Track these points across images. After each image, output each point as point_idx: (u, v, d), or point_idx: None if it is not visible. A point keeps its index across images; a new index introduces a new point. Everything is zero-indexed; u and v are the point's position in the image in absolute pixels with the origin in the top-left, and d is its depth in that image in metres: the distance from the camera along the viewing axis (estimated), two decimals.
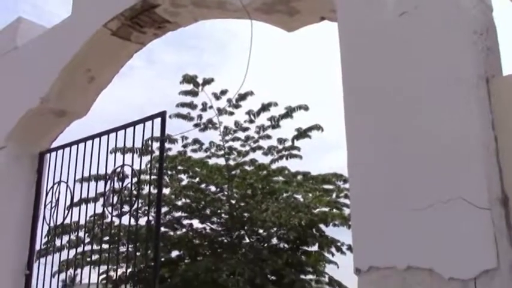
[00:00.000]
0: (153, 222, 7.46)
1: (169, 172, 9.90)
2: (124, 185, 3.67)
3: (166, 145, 9.21)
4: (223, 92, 9.86)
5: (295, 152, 10.05)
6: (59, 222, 3.97)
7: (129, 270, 7.87)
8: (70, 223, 4.26)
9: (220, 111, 9.65)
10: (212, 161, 10.04)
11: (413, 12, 2.04)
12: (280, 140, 10.09)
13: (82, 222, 3.94)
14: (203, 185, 10.01)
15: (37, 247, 4.13)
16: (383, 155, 2.02)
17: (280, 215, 8.99)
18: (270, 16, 3.05)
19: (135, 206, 3.69)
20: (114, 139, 3.64)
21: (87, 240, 8.17)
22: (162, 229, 9.45)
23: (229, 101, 9.80)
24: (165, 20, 3.51)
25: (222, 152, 9.99)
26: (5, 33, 4.50)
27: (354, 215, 2.10)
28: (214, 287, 8.29)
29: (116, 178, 3.65)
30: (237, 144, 10.12)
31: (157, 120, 3.42)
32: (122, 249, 8.24)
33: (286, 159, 9.99)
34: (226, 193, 9.86)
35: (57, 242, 4.14)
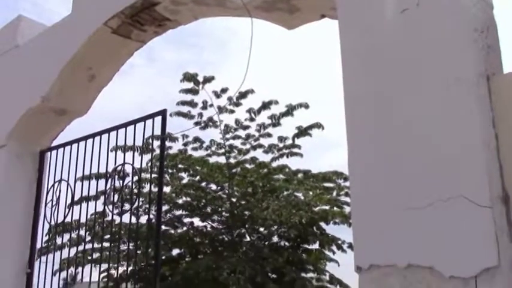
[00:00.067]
0: (153, 220, 7.47)
1: (169, 170, 9.90)
2: (125, 184, 3.67)
3: (167, 143, 9.21)
4: (224, 90, 9.86)
5: (295, 150, 10.05)
6: (59, 221, 3.97)
7: (130, 268, 7.89)
8: (71, 221, 4.27)
9: (221, 110, 9.65)
10: (213, 159, 10.05)
11: (414, 10, 2.03)
12: (281, 138, 10.09)
13: (83, 220, 3.94)
14: (204, 183, 10.02)
15: (38, 245, 4.13)
16: (383, 153, 2.01)
17: (280, 213, 9.00)
18: (270, 14, 3.05)
19: (136, 204, 3.69)
20: (115, 137, 3.64)
21: (88, 238, 8.19)
22: (163, 227, 9.46)
23: (229, 99, 9.80)
24: (165, 18, 3.51)
25: (222, 150, 10.00)
26: (5, 32, 4.50)
27: (355, 213, 2.10)
28: (215, 285, 8.30)
29: (116, 176, 3.65)
30: (237, 143, 10.13)
31: (158, 119, 3.42)
32: (123, 247, 8.25)
33: (287, 157, 10.00)
34: (226, 191, 9.86)
35: (58, 241, 4.15)
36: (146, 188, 7.65)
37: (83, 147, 3.84)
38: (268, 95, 12.55)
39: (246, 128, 10.10)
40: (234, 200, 9.83)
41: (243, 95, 9.84)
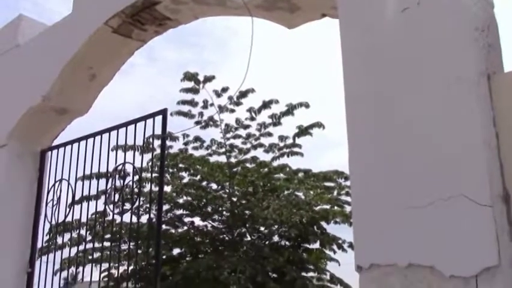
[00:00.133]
0: (154, 220, 7.48)
1: (170, 170, 9.89)
2: (125, 183, 3.67)
3: (168, 143, 9.21)
4: (224, 90, 9.84)
5: (296, 149, 10.03)
6: (60, 220, 3.97)
7: (131, 268, 7.89)
8: (71, 221, 4.27)
9: (221, 109, 9.64)
10: (213, 159, 10.03)
11: (414, 9, 2.03)
12: (282, 138, 10.07)
13: (83, 220, 3.94)
14: (204, 183, 10.01)
15: (39, 245, 4.14)
16: (384, 152, 2.01)
17: (281, 213, 8.99)
18: (271, 13, 3.05)
19: (137, 203, 3.69)
20: (116, 137, 3.64)
21: (89, 238, 8.20)
22: (164, 227, 9.45)
23: (230, 98, 9.78)
24: (165, 17, 3.51)
25: (223, 150, 9.98)
26: (6, 31, 4.50)
27: (355, 213, 2.10)
28: (216, 284, 8.30)
29: (117, 176, 3.66)
30: (238, 142, 10.11)
31: (159, 118, 3.42)
32: (124, 247, 8.26)
33: (288, 156, 9.98)
34: (227, 191, 9.86)
35: (59, 240, 4.15)
36: (147, 188, 7.65)
37: (83, 146, 3.84)
38: (269, 94, 12.52)
39: (246, 127, 10.09)
40: (234, 199, 9.83)
41: (243, 94, 9.83)
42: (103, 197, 3.86)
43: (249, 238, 9.90)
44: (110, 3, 3.57)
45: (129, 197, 4.06)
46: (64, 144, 4.06)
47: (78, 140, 3.91)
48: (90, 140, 3.80)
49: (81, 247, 7.51)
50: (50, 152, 4.23)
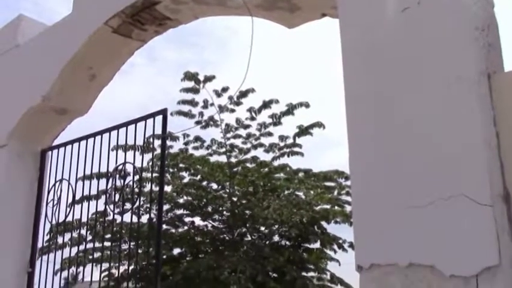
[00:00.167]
0: (154, 219, 7.48)
1: (170, 170, 9.90)
2: (126, 183, 3.67)
3: (168, 143, 9.21)
4: (225, 89, 9.85)
5: (296, 149, 10.03)
6: (60, 220, 3.97)
7: (131, 267, 7.90)
8: (72, 221, 4.27)
9: (222, 109, 9.64)
10: (213, 159, 10.04)
11: (415, 9, 2.03)
12: (282, 137, 10.08)
13: (84, 219, 3.94)
14: (205, 183, 10.01)
15: (39, 245, 4.14)
16: (384, 151, 2.01)
17: (281, 212, 8.99)
18: (271, 13, 3.05)
19: (137, 203, 3.69)
20: (116, 137, 3.64)
21: (89, 238, 8.20)
22: (164, 227, 9.46)
23: (230, 98, 9.78)
24: (165, 17, 3.51)
25: (223, 150, 9.99)
26: (6, 31, 4.50)
27: (356, 212, 2.10)
28: (216, 284, 8.30)
29: (117, 176, 3.66)
30: (238, 142, 10.12)
31: (159, 118, 3.42)
32: (124, 246, 8.26)
33: (288, 156, 9.98)
34: (227, 190, 9.86)
35: (59, 240, 4.15)
36: (147, 188, 7.65)
37: (84, 146, 3.84)
38: (269, 94, 12.53)
39: (246, 127, 10.09)
40: (235, 199, 9.83)
41: (243, 94, 9.83)
42: (103, 197, 3.86)
43: (249, 238, 9.90)
44: (110, 3, 3.57)
45: (130, 197, 4.07)
46: (64, 144, 4.06)
47: (79, 139, 3.91)
48: (91, 140, 3.80)
49: (82, 247, 7.51)
50: (50, 152, 4.23)
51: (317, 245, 9.73)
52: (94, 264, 7.41)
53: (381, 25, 2.13)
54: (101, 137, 3.72)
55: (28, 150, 4.19)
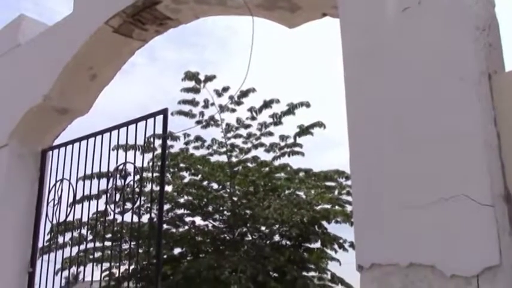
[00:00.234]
0: (155, 219, 7.48)
1: (171, 169, 9.90)
2: (126, 183, 3.68)
3: (169, 142, 9.21)
4: (225, 89, 9.85)
5: (297, 148, 10.04)
6: (61, 220, 3.98)
7: (132, 267, 7.90)
8: (73, 220, 4.27)
9: (222, 108, 9.64)
10: (214, 158, 10.05)
11: (415, 8, 2.03)
12: (282, 137, 10.08)
13: (84, 219, 3.94)
14: (205, 182, 10.01)
15: (40, 244, 4.14)
16: (385, 151, 2.01)
17: (282, 212, 8.99)
18: (272, 12, 3.05)
19: (138, 203, 3.69)
20: (117, 136, 3.64)
21: (90, 237, 8.20)
22: (165, 226, 9.46)
23: (231, 98, 9.79)
24: (166, 16, 3.51)
25: (224, 149, 9.99)
26: (7, 31, 4.51)
27: (356, 212, 2.10)
28: (217, 284, 8.30)
29: (118, 175, 3.66)
30: (239, 141, 10.12)
31: (159, 118, 3.42)
32: (125, 246, 8.26)
33: (288, 156, 9.98)
34: (228, 190, 9.86)
35: (60, 240, 4.15)
36: (148, 187, 7.66)
37: (84, 146, 3.84)
38: (270, 94, 12.52)
39: (247, 126, 10.09)
40: (235, 198, 9.83)
41: (244, 93, 9.84)
42: (104, 197, 3.87)
43: (250, 238, 9.90)
44: (111, 3, 3.57)
45: (130, 197, 4.07)
46: (65, 144, 4.06)
47: (79, 139, 3.91)
48: (91, 140, 3.80)
49: (82, 247, 7.51)
50: (51, 152, 4.23)
51: (318, 244, 9.74)
52: (95, 263, 7.42)
53: (382, 25, 2.13)
54: (102, 137, 3.72)
55: (29, 150, 4.19)
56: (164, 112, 3.43)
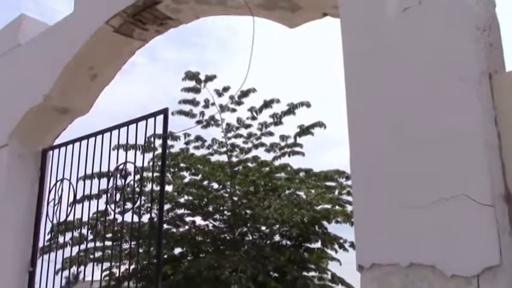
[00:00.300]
0: (155, 219, 7.48)
1: (171, 169, 9.90)
2: (127, 182, 3.68)
3: (169, 142, 9.21)
4: (226, 89, 9.85)
5: (297, 148, 10.03)
6: (62, 220, 3.98)
7: (132, 267, 7.90)
8: (73, 220, 4.27)
9: (223, 108, 9.64)
10: (214, 158, 10.05)
11: (416, 8, 2.03)
12: (283, 137, 10.08)
13: (85, 219, 3.95)
14: (205, 182, 10.01)
15: (40, 244, 4.14)
16: (385, 151, 2.01)
17: (282, 212, 8.99)
18: (272, 12, 3.05)
19: (138, 203, 3.69)
20: (117, 136, 3.64)
21: (90, 237, 8.20)
22: (165, 226, 9.46)
23: (231, 97, 9.79)
24: (167, 16, 3.51)
25: (224, 149, 9.99)
26: (7, 31, 4.51)
27: (356, 212, 2.10)
28: (217, 284, 8.30)
29: (118, 175, 3.66)
30: (239, 141, 10.12)
31: (160, 117, 3.43)
32: (125, 246, 8.26)
33: (289, 156, 9.98)
34: (228, 190, 9.86)
35: (61, 239, 4.15)
36: (148, 187, 7.66)
37: (85, 146, 3.85)
38: (270, 94, 12.52)
39: (247, 126, 10.10)
40: (235, 198, 9.83)
41: (244, 93, 9.84)
42: (104, 196, 3.87)
43: (250, 237, 9.90)
44: (111, 3, 3.57)
45: (131, 197, 4.07)
46: (65, 144, 4.07)
47: (80, 139, 3.92)
48: (92, 140, 3.80)
49: (83, 246, 7.52)
50: (51, 152, 4.24)
51: (318, 244, 9.73)
52: (95, 263, 7.43)
53: (382, 25, 2.13)
54: (102, 137, 3.73)
55: (29, 149, 4.19)
56: (164, 112, 3.43)
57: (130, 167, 3.63)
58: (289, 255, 9.02)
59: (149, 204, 8.19)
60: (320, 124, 9.78)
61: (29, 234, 4.07)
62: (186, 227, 9.96)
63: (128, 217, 3.81)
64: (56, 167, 4.07)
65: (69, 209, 3.95)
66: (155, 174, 4.19)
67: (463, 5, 1.93)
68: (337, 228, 9.60)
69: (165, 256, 9.26)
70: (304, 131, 9.88)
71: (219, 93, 9.89)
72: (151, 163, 6.65)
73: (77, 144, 3.93)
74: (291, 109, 9.85)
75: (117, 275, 8.56)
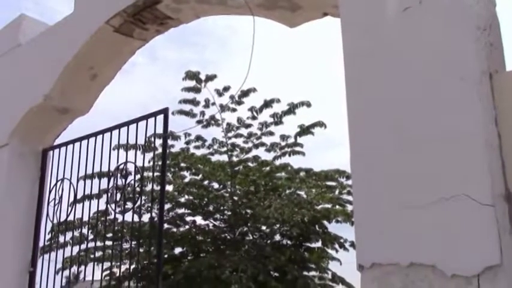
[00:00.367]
0: (156, 219, 7.48)
1: (172, 169, 9.90)
2: (127, 182, 3.68)
3: (169, 142, 9.21)
4: (226, 89, 9.86)
5: (298, 148, 10.03)
6: (62, 219, 3.98)
7: (133, 266, 7.90)
8: (73, 220, 4.28)
9: (223, 108, 9.64)
10: (215, 158, 10.05)
11: (416, 8, 2.03)
12: (283, 137, 10.08)
13: (85, 219, 3.95)
14: (206, 182, 10.01)
15: (41, 244, 4.15)
16: (386, 151, 2.01)
17: (283, 212, 8.99)
18: (272, 12, 3.05)
19: (138, 202, 3.69)
20: (117, 136, 3.64)
21: (91, 237, 8.19)
22: (165, 226, 9.46)
23: (231, 97, 9.79)
24: (167, 16, 3.51)
25: (224, 149, 9.99)
26: (7, 31, 4.51)
27: (357, 212, 2.10)
28: (217, 283, 8.30)
29: (119, 175, 3.66)
30: (239, 141, 10.12)
31: (160, 117, 3.43)
32: (125, 246, 8.27)
33: (289, 155, 9.98)
34: (229, 190, 9.86)
35: (61, 239, 4.15)
36: (148, 187, 7.66)
37: (85, 145, 3.85)
38: (270, 94, 12.52)
39: (248, 126, 10.10)
40: (236, 198, 9.83)
41: (245, 93, 9.84)
42: (105, 196, 3.87)
43: (250, 237, 9.90)
44: (112, 3, 3.57)
45: (131, 196, 4.07)
46: (66, 144, 4.07)
47: (80, 139, 3.92)
48: (92, 139, 3.81)
49: (83, 246, 7.52)
50: (51, 151, 4.24)
51: (318, 244, 9.73)
52: (95, 263, 7.43)
53: (382, 24, 2.13)
54: (102, 137, 3.73)
55: (29, 149, 4.19)
56: (165, 111, 3.43)
57: (130, 167, 3.63)
58: (289, 255, 9.02)
59: (150, 204, 8.19)
60: (320, 124, 9.78)
61: (29, 233, 4.07)
62: (187, 227, 9.96)
63: (128, 217, 3.82)
64: (57, 166, 4.08)
65: (70, 208, 3.95)
66: (155, 174, 4.19)
67: (463, 4, 1.93)
68: (337, 227, 9.61)
69: (166, 256, 9.26)
70: (305, 130, 9.88)
71: (220, 93, 9.89)
72: (151, 163, 6.66)
73: (77, 144, 3.93)
74: (291, 109, 9.85)
75: (118, 274, 8.56)
